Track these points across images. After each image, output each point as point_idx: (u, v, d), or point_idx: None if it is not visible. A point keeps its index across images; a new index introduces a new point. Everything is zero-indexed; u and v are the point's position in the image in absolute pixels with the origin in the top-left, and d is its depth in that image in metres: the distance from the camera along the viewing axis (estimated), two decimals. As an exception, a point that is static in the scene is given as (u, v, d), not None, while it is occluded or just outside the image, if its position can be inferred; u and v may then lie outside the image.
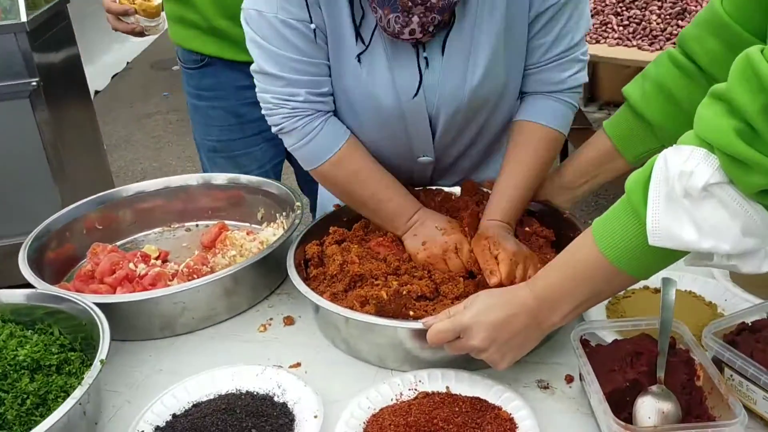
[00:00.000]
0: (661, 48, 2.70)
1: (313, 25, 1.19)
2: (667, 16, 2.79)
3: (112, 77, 6.43)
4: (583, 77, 1.30)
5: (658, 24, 2.78)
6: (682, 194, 0.82)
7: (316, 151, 1.28)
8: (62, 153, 3.04)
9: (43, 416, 1.01)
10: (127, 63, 6.86)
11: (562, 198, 1.36)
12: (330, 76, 1.26)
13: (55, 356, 1.11)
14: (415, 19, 1.14)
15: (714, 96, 0.81)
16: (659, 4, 2.86)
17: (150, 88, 6.49)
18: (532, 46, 1.27)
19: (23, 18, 2.77)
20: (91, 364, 1.11)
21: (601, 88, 3.77)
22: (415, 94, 1.25)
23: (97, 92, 5.89)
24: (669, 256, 0.90)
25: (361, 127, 1.32)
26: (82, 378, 1.08)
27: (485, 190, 1.45)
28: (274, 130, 1.29)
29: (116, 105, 5.91)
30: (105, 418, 1.08)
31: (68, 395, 1.04)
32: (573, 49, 1.27)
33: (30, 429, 0.95)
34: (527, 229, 1.32)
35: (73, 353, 1.13)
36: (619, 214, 0.92)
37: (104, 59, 6.36)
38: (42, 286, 1.23)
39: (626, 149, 1.26)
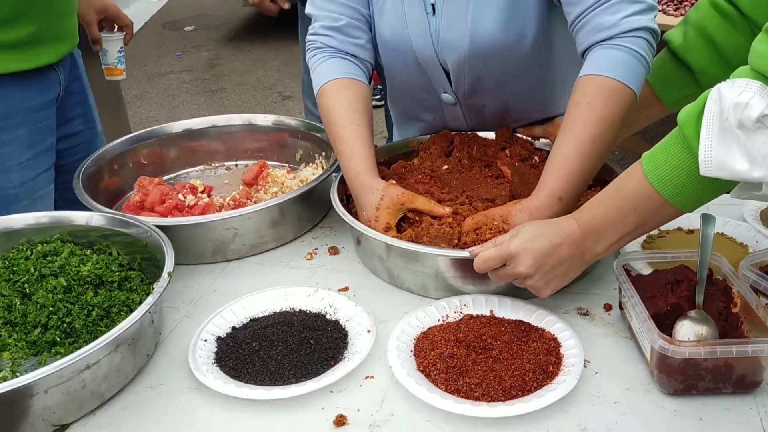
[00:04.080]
0: (684, 14, 2.72)
1: None
2: (693, -18, 2.80)
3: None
4: (646, 21, 1.15)
5: (683, -11, 2.79)
6: (736, 125, 0.86)
7: (314, 82, 1.39)
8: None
9: (108, 327, 1.07)
10: (145, 23, 6.86)
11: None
12: (352, 18, 1.37)
13: (116, 274, 1.16)
14: None
15: None
16: (685, -30, 2.88)
17: (162, 48, 6.49)
18: None
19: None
20: (149, 283, 1.17)
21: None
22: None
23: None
24: (717, 187, 0.94)
25: (387, 63, 1.44)
26: (143, 294, 1.13)
27: (520, 135, 1.50)
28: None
29: (129, 64, 5.93)
30: (167, 330, 1.14)
31: (130, 309, 1.10)
32: None
33: (96, 337, 1.00)
34: None
35: (132, 272, 1.18)
36: (669, 147, 0.95)
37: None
38: (101, 211, 1.28)
39: (664, 93, 1.30)
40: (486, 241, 1.12)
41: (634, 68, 1.14)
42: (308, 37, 1.41)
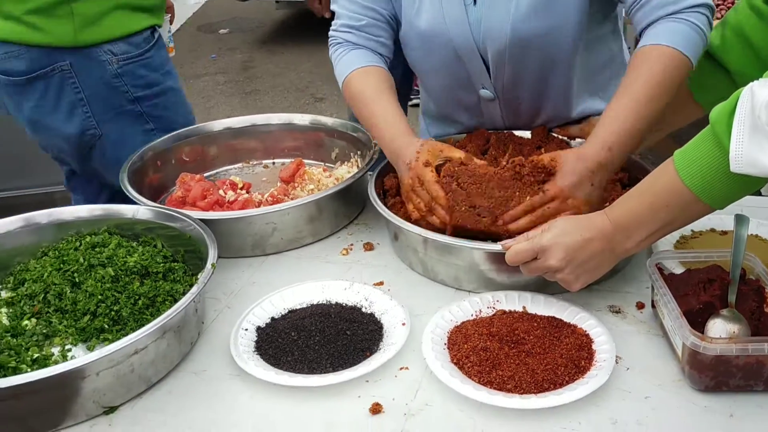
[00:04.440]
0: (720, 17, 2.70)
1: None
2: (730, -14, 2.78)
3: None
4: None
5: (719, -7, 2.77)
6: (767, 123, 0.87)
7: (338, 73, 1.47)
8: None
9: (153, 315, 1.12)
10: (180, 25, 6.99)
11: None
12: (374, 18, 1.45)
13: (161, 265, 1.21)
14: None
15: None
16: (721, -27, 2.85)
17: (198, 51, 6.60)
18: None
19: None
20: (192, 275, 1.22)
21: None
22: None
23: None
24: (747, 185, 0.95)
25: (427, 61, 1.47)
26: (186, 285, 1.18)
27: (555, 135, 1.52)
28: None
29: (166, 65, 6.04)
30: (209, 319, 1.18)
31: (174, 299, 1.14)
32: None
33: (142, 325, 1.05)
34: None
35: (175, 264, 1.23)
36: (701, 144, 0.97)
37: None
38: (147, 205, 1.33)
39: (702, 95, 1.31)
40: (527, 169, 1.17)
41: (694, 40, 1.20)
42: (330, 33, 1.50)
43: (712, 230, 1.31)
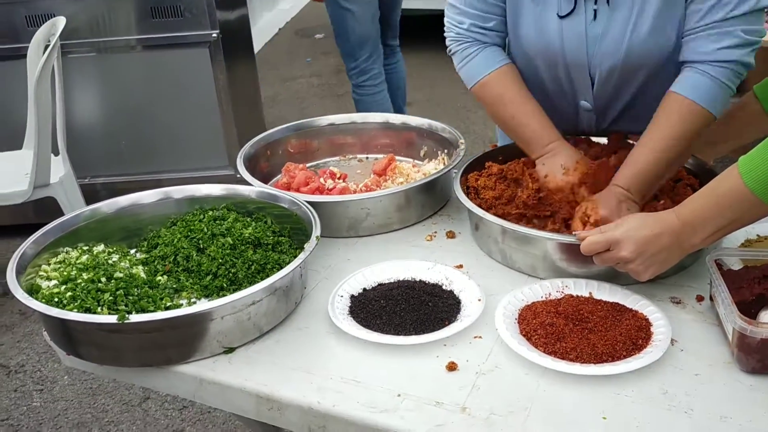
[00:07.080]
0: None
1: None
2: (827, 2, 2.76)
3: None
4: (739, 55, 1.31)
5: (815, 10, 2.76)
6: None
7: (470, 73, 1.53)
8: (231, 101, 3.42)
9: (263, 279, 1.30)
10: (279, 29, 7.34)
11: (707, 152, 1.50)
12: (500, 16, 1.51)
13: (271, 238, 1.40)
14: None
15: None
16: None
17: (294, 54, 6.92)
18: (690, 11, 1.36)
19: (210, -25, 3.16)
20: (297, 248, 1.40)
21: (750, 80, 3.72)
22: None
23: (250, 54, 6.34)
24: None
25: (533, 68, 1.55)
26: (291, 256, 1.36)
27: (631, 142, 1.62)
28: (448, 51, 1.57)
29: (264, 67, 6.37)
30: (310, 287, 1.36)
31: (281, 267, 1.33)
32: (730, 22, 1.30)
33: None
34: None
35: (282, 238, 1.42)
36: (763, 152, 1.07)
37: (258, 25, 6.87)
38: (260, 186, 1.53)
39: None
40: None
41: (715, 94, 1.34)
42: (456, 34, 1.52)
43: (778, 235, 1.38)
